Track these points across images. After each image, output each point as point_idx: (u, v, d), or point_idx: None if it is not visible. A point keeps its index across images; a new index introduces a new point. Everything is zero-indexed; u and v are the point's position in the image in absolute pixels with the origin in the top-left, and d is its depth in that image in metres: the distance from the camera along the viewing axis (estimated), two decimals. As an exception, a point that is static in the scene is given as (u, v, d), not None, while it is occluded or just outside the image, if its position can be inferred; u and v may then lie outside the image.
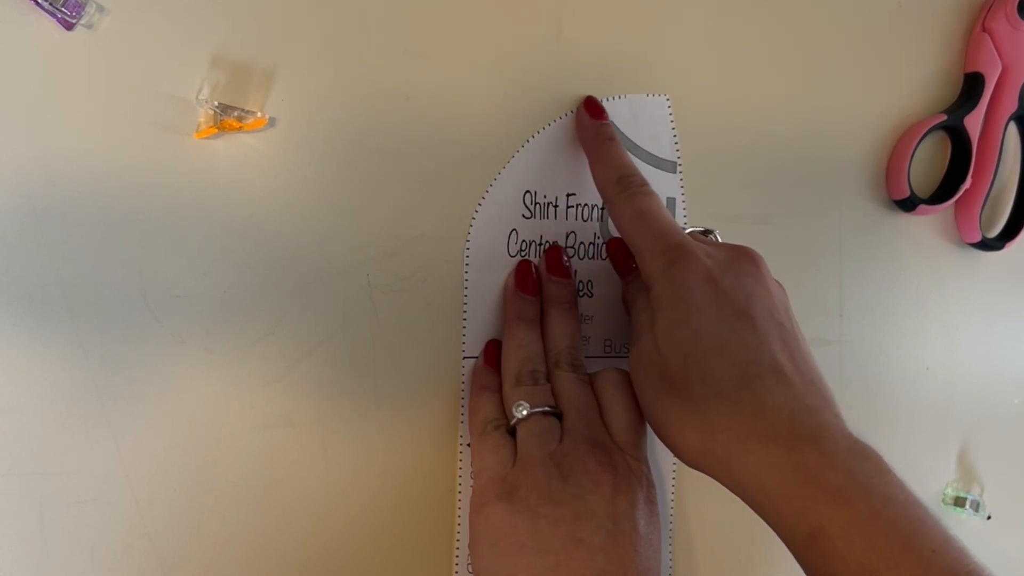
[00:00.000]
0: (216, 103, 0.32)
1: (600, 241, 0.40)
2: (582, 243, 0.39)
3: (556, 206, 0.39)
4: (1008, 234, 0.49)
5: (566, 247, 0.39)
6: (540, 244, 0.39)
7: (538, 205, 0.39)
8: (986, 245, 0.48)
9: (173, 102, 0.32)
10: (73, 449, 0.32)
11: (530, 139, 0.38)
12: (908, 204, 0.45)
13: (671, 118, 0.41)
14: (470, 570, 0.37)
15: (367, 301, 0.36)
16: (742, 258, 0.34)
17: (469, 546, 0.34)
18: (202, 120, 0.32)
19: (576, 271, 0.39)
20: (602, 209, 0.40)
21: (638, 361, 0.34)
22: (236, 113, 0.32)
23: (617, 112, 0.39)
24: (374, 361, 0.36)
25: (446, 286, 0.37)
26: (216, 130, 0.32)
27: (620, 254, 0.38)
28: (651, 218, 0.34)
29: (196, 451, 0.33)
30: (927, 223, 0.47)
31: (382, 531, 0.37)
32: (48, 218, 0.31)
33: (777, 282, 0.35)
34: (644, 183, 0.35)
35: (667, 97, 0.40)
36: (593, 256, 0.40)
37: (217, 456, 0.34)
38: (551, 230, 0.39)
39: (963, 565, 0.27)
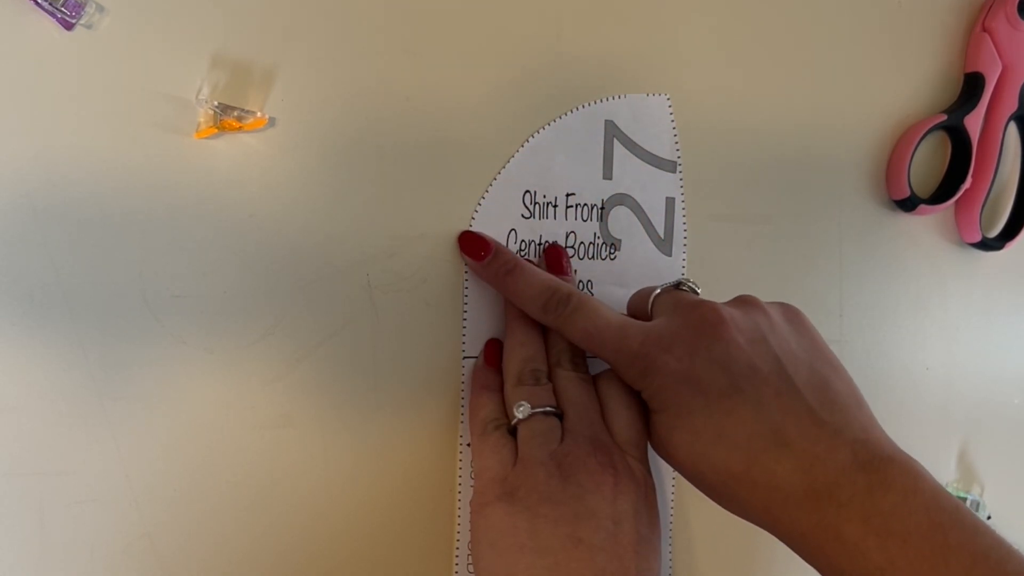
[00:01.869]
0: (216, 103, 0.32)
1: (600, 241, 0.40)
2: (582, 243, 0.39)
3: (555, 206, 0.39)
4: (1008, 234, 0.49)
5: (566, 247, 0.39)
6: (539, 244, 0.39)
7: (537, 205, 0.39)
8: (986, 245, 0.48)
9: (173, 102, 0.32)
10: (73, 449, 0.32)
11: (530, 139, 0.38)
12: (908, 204, 0.45)
13: (671, 118, 0.41)
14: (470, 570, 0.37)
15: (367, 301, 0.36)
16: (703, 329, 0.32)
17: (470, 546, 0.34)
18: (202, 120, 0.32)
19: (576, 271, 0.39)
20: (602, 209, 0.40)
21: (656, 444, 0.34)
22: (236, 113, 0.32)
23: (617, 112, 0.39)
24: (374, 361, 0.36)
25: (446, 286, 0.37)
26: (216, 130, 0.32)
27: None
28: (599, 334, 0.33)
29: (196, 451, 0.33)
30: (927, 223, 0.47)
31: (382, 531, 0.37)
32: (48, 218, 0.31)
33: (744, 301, 0.34)
34: (567, 296, 0.34)
35: (667, 97, 0.40)
36: (593, 256, 0.40)
37: (217, 456, 0.34)
38: (551, 230, 0.39)
39: None
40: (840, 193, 0.45)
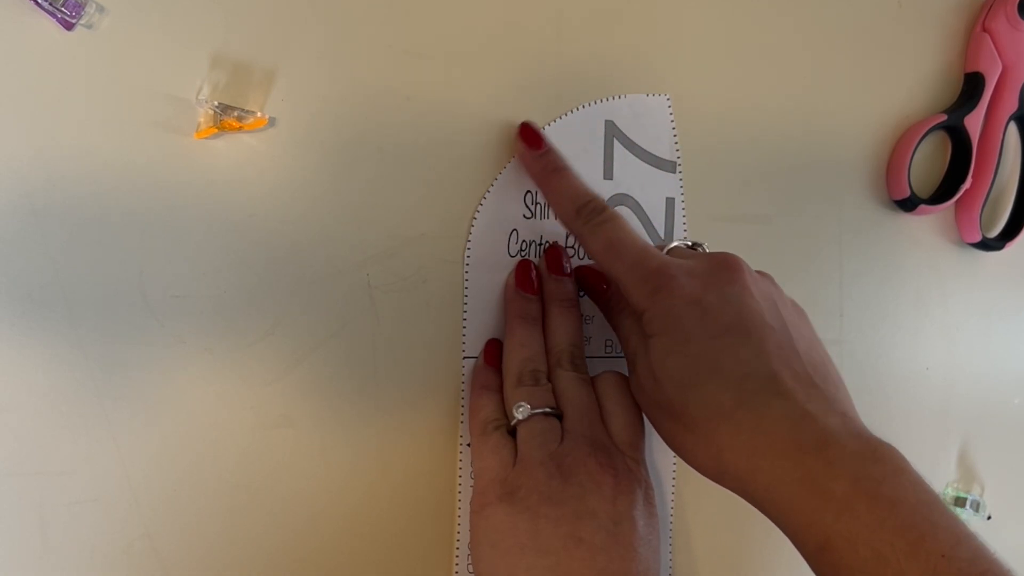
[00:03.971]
0: (216, 103, 0.32)
1: (600, 241, 0.40)
2: (582, 243, 0.39)
3: (556, 206, 0.39)
4: (1008, 234, 0.49)
5: (566, 247, 0.39)
6: (540, 244, 0.39)
7: (539, 205, 0.38)
8: (986, 245, 0.48)
9: (173, 102, 0.32)
10: (73, 449, 0.32)
11: (530, 139, 0.38)
12: (908, 204, 0.45)
13: (671, 118, 0.41)
14: (470, 570, 0.37)
15: (367, 301, 0.36)
16: (722, 269, 0.33)
17: (470, 547, 0.34)
18: (202, 120, 0.32)
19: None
20: (602, 209, 0.40)
21: (638, 389, 0.34)
22: (236, 113, 0.32)
23: (617, 112, 0.39)
24: (374, 361, 0.36)
25: (446, 286, 0.37)
26: (216, 130, 0.32)
27: (590, 280, 0.38)
28: (623, 247, 0.33)
29: (196, 451, 0.33)
30: (927, 223, 0.47)
31: (382, 531, 0.37)
32: (48, 218, 0.31)
33: (762, 274, 0.35)
34: (603, 208, 0.35)
35: (667, 97, 0.40)
36: (593, 256, 0.40)
37: (217, 456, 0.34)
38: (551, 230, 0.39)
39: (976, 567, 0.26)
40: (840, 193, 0.45)
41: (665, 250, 0.35)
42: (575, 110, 0.39)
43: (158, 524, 0.33)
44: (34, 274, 0.31)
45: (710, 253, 0.35)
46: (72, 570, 0.32)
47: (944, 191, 0.47)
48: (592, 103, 0.39)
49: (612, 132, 0.39)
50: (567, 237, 0.39)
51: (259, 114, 0.33)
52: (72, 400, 0.32)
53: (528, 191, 0.38)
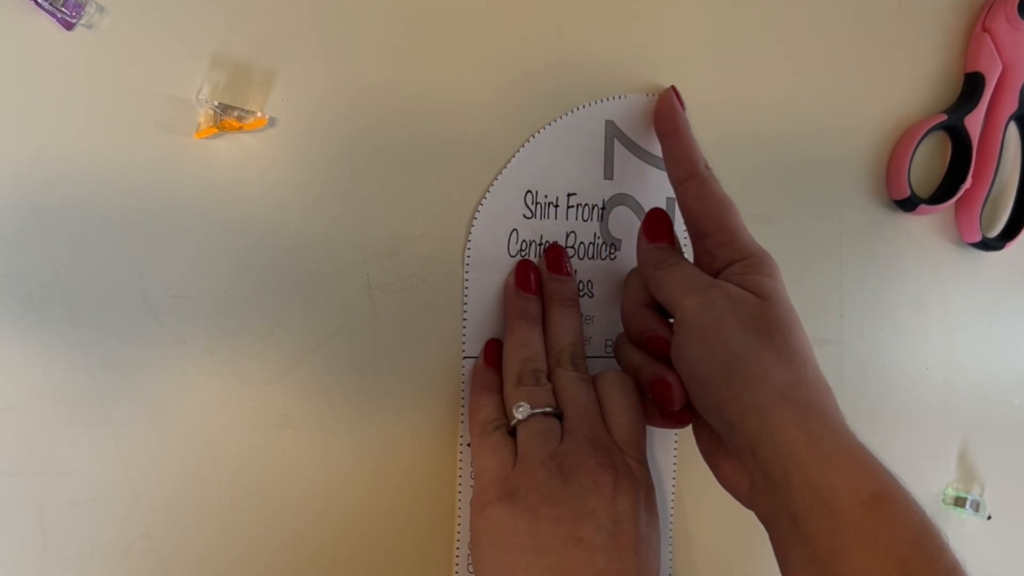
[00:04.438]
0: (216, 103, 0.32)
1: (600, 241, 0.40)
2: (582, 243, 0.39)
3: (557, 206, 0.39)
4: (1008, 234, 0.49)
5: (566, 247, 0.39)
6: (540, 244, 0.39)
7: (539, 205, 0.39)
8: (986, 245, 0.48)
9: (173, 102, 0.32)
10: (73, 449, 0.32)
11: (530, 139, 0.38)
12: (908, 204, 0.45)
13: (671, 118, 0.41)
14: (470, 570, 0.37)
15: (367, 301, 0.36)
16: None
17: (470, 547, 0.34)
18: (202, 120, 0.32)
19: (576, 271, 0.39)
20: (603, 209, 0.40)
21: (728, 302, 0.33)
22: (236, 113, 0.32)
23: (617, 112, 0.39)
24: (374, 361, 0.36)
25: (446, 286, 0.37)
26: (216, 130, 0.32)
27: (661, 220, 0.37)
28: (733, 203, 0.36)
29: (196, 451, 0.33)
30: (927, 223, 0.47)
31: (382, 531, 0.37)
32: (48, 218, 0.31)
33: None
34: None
35: (667, 97, 0.40)
36: (593, 256, 0.40)
37: (217, 456, 0.34)
38: (551, 230, 0.39)
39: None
40: (840, 193, 0.45)
41: None
42: (575, 110, 0.39)
43: (158, 524, 0.33)
44: (34, 274, 0.31)
45: None
46: (72, 570, 0.32)
47: (944, 191, 0.47)
48: (592, 103, 0.39)
49: (612, 132, 0.39)
50: (567, 237, 0.39)
51: (259, 114, 0.33)
52: (72, 400, 0.32)
53: (528, 191, 0.38)
